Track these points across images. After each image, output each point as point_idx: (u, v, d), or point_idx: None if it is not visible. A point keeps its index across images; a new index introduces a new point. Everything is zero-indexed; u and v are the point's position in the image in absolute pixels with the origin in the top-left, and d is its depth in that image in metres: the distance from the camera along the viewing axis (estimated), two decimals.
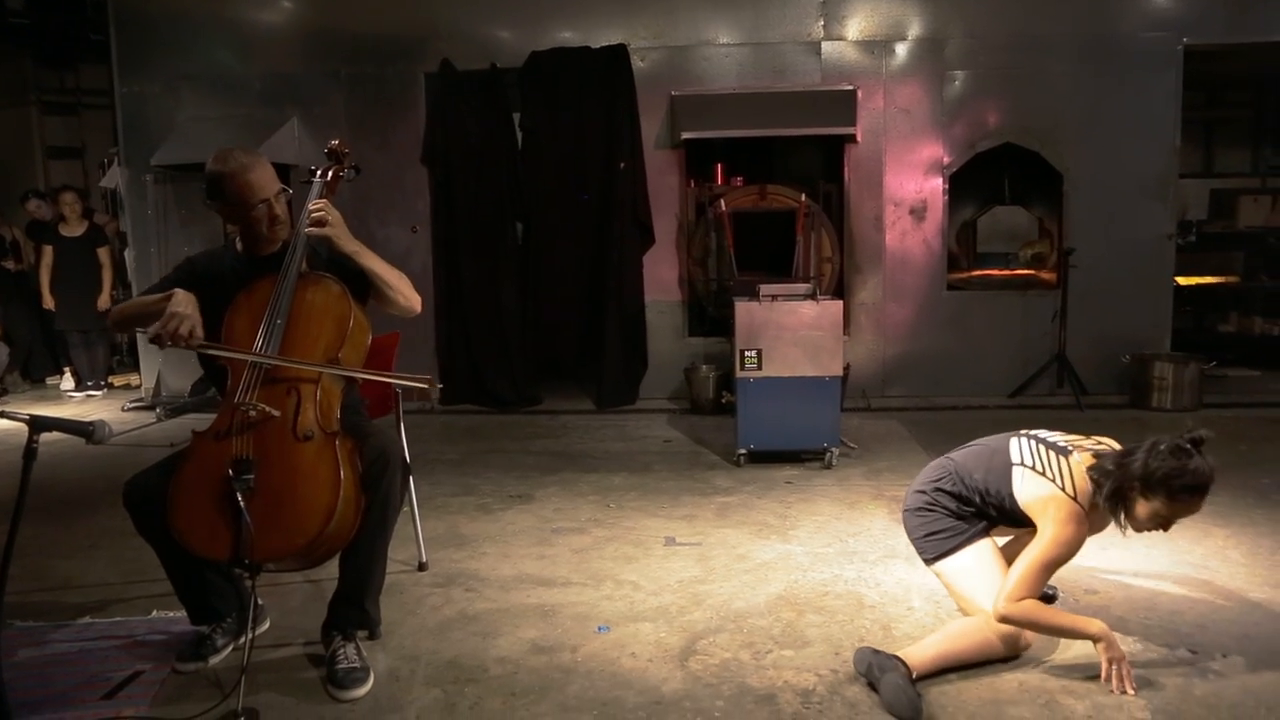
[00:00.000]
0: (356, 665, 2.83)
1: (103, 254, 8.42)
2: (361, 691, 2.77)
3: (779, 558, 3.87)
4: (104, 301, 8.42)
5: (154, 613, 3.40)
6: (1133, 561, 3.74)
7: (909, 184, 7.24)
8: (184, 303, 2.80)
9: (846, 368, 6.39)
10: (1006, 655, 2.85)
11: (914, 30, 7.15)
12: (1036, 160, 7.18)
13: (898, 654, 2.74)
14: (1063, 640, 2.98)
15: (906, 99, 7.18)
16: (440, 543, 4.11)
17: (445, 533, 4.28)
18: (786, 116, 7.11)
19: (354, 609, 2.93)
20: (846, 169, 7.27)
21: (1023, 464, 2.91)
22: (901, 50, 7.17)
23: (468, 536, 4.24)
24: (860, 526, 4.26)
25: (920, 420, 6.58)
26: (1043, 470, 2.86)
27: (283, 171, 6.73)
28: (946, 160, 7.20)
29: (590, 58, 7.20)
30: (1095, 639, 2.73)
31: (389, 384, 3.59)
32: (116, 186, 8.09)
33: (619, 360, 7.34)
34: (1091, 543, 3.88)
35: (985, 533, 3.03)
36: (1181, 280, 8.10)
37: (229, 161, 2.92)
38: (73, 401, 8.28)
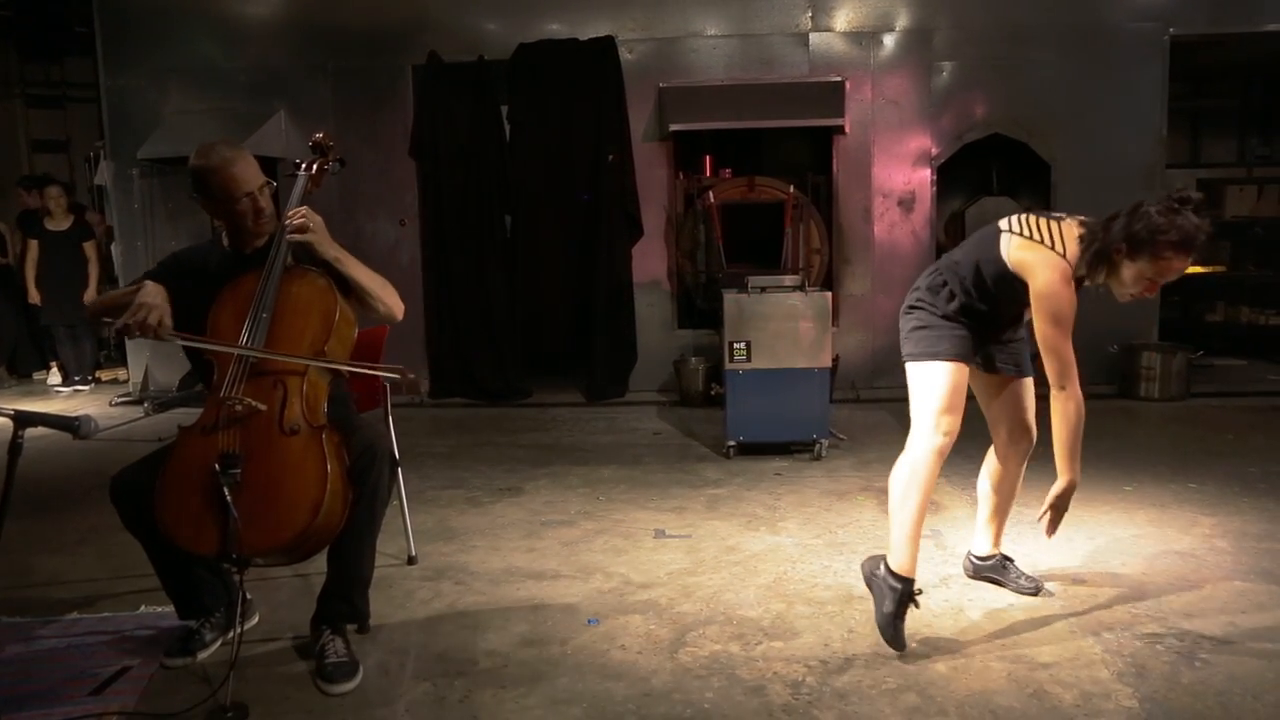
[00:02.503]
0: (345, 659, 2.82)
1: (89, 248, 8.37)
2: (350, 685, 2.76)
3: (768, 549, 3.88)
4: (90, 296, 8.37)
5: (142, 608, 3.38)
6: (1120, 550, 3.76)
7: (897, 175, 7.24)
8: (152, 293, 2.80)
9: (835, 359, 6.39)
10: (940, 456, 2.93)
11: (901, 21, 7.15)
12: (1024, 151, 7.19)
13: (890, 564, 2.93)
14: (1050, 633, 3.00)
15: (894, 90, 7.18)
16: (429, 536, 4.11)
17: (434, 526, 4.28)
18: (774, 108, 7.10)
19: (343, 603, 2.92)
20: (835, 160, 7.27)
21: (1010, 230, 2.89)
22: (889, 41, 7.17)
23: (457, 530, 4.23)
24: (849, 518, 4.27)
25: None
26: (1030, 234, 2.84)
27: (269, 165, 6.75)
28: (934, 151, 7.20)
29: (578, 50, 7.18)
30: (1068, 479, 2.87)
31: (378, 378, 3.59)
32: (104, 182, 8.05)
33: (608, 353, 7.33)
34: (1079, 533, 3.93)
35: (958, 350, 2.98)
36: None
37: (212, 156, 2.91)
38: (60, 397, 8.24)
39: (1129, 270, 2.70)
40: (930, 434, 2.94)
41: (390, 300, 3.03)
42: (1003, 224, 2.95)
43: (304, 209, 2.93)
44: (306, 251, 2.98)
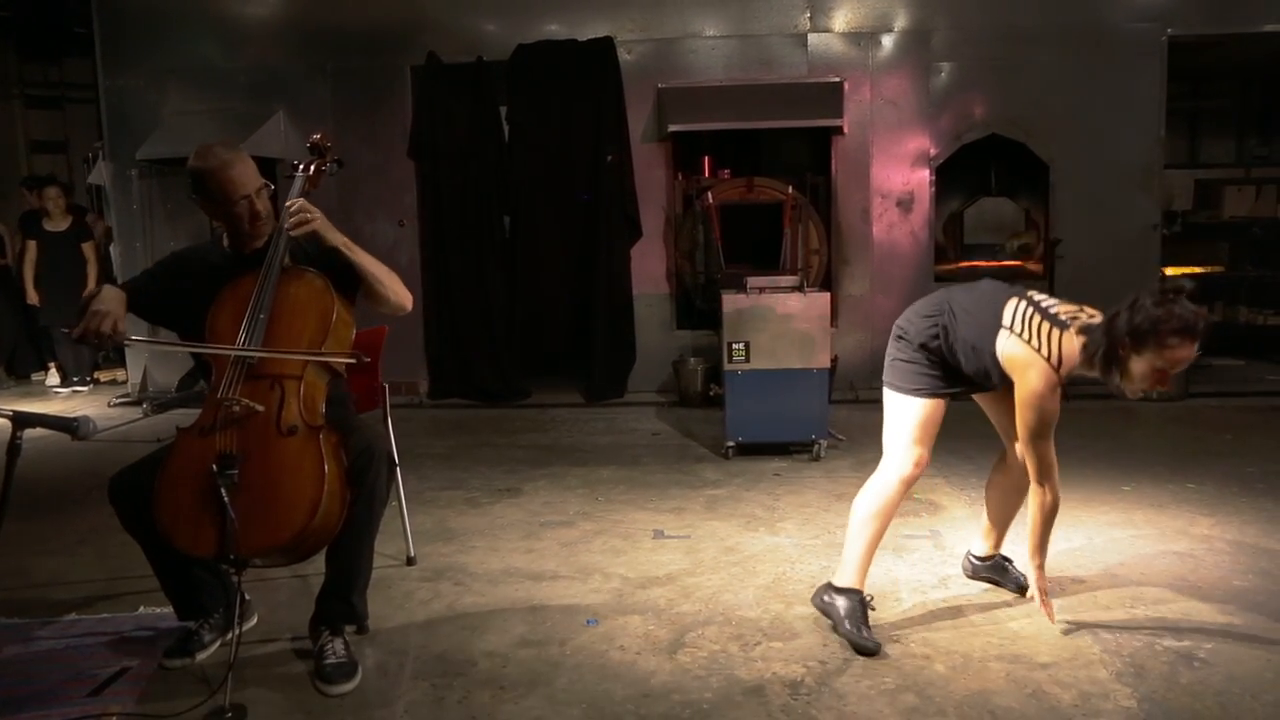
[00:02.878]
0: (344, 660, 2.82)
1: (87, 249, 8.36)
2: (349, 686, 2.76)
3: (767, 550, 3.88)
4: None
5: (140, 609, 3.38)
6: (1118, 550, 3.76)
7: (896, 176, 7.25)
8: (106, 300, 2.78)
9: (834, 359, 6.39)
10: (906, 485, 3.04)
11: (900, 22, 7.15)
12: (1022, 151, 7.19)
13: (834, 582, 3.09)
14: (1049, 633, 3.01)
15: (893, 91, 7.18)
16: (428, 537, 4.11)
17: (433, 527, 4.28)
18: (773, 109, 7.10)
19: (341, 603, 2.92)
20: (833, 161, 7.27)
21: (1011, 329, 2.88)
22: (888, 42, 7.17)
23: (456, 530, 4.23)
24: (848, 518, 4.26)
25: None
26: (1030, 338, 2.84)
27: (269, 165, 6.75)
28: (933, 152, 7.21)
29: (577, 50, 7.18)
30: (1036, 565, 3.03)
31: (377, 378, 3.59)
32: (103, 183, 8.04)
33: (607, 353, 7.33)
34: (1078, 533, 3.93)
35: (934, 389, 3.03)
36: (1167, 270, 8.12)
37: (210, 158, 2.91)
38: (58, 397, 8.23)
39: (1138, 365, 2.69)
40: (900, 464, 3.04)
41: (398, 289, 3.03)
42: (1005, 317, 2.90)
43: (300, 201, 2.92)
44: (312, 244, 2.98)
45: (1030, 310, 2.88)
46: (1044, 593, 3.05)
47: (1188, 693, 2.62)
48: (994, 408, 3.25)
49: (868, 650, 2.90)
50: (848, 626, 2.98)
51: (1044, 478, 2.93)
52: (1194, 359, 2.68)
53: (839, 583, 3.08)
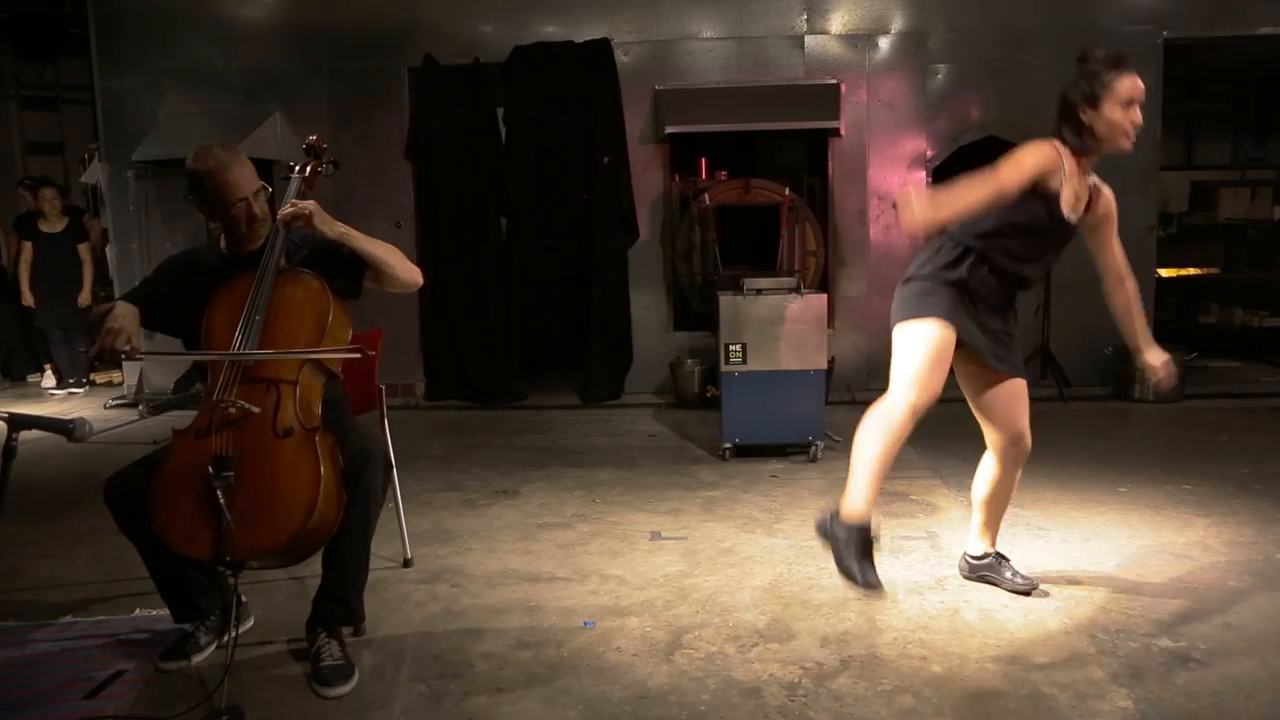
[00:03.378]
0: (341, 662, 2.82)
1: (83, 250, 8.36)
2: (346, 688, 2.76)
3: (764, 551, 3.88)
4: (85, 298, 8.36)
5: (137, 611, 3.37)
6: (1115, 552, 3.76)
7: (892, 177, 7.25)
8: (120, 316, 2.81)
9: (831, 361, 6.40)
10: (912, 415, 2.92)
11: (896, 24, 7.17)
12: None
13: (840, 512, 2.89)
14: (1045, 634, 3.00)
15: (889, 93, 7.20)
16: (425, 538, 4.11)
17: (430, 528, 4.28)
18: (770, 111, 7.11)
19: (338, 605, 2.91)
20: (830, 163, 7.28)
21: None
22: (884, 44, 7.18)
23: (453, 532, 4.23)
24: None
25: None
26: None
27: (265, 167, 6.73)
28: (929, 153, 7.22)
29: (574, 52, 7.19)
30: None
31: (374, 379, 3.59)
32: (97, 182, 8.03)
33: (604, 355, 7.33)
34: (1074, 534, 3.94)
35: (945, 310, 2.98)
36: (1163, 272, 8.15)
37: (208, 159, 2.91)
38: (54, 399, 8.22)
39: (1107, 115, 2.87)
40: (908, 389, 2.94)
41: (406, 266, 3.04)
42: None
43: (292, 201, 2.94)
44: (308, 245, 2.98)
45: None
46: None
47: (1183, 693, 2.63)
48: (980, 389, 3.18)
49: (866, 585, 2.76)
50: (845, 558, 2.81)
51: (1001, 175, 2.86)
52: (1142, 88, 2.89)
53: (844, 512, 2.88)
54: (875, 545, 2.88)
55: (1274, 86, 9.78)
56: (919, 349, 2.97)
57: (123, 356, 2.80)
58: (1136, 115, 2.90)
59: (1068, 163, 2.95)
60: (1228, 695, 2.61)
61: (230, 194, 2.92)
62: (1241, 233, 8.98)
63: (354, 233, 2.98)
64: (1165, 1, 7.04)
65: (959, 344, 3.02)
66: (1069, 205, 3.00)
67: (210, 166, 2.90)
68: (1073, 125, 2.93)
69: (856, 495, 2.90)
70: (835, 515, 2.91)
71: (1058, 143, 2.95)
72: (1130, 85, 2.85)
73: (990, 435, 3.24)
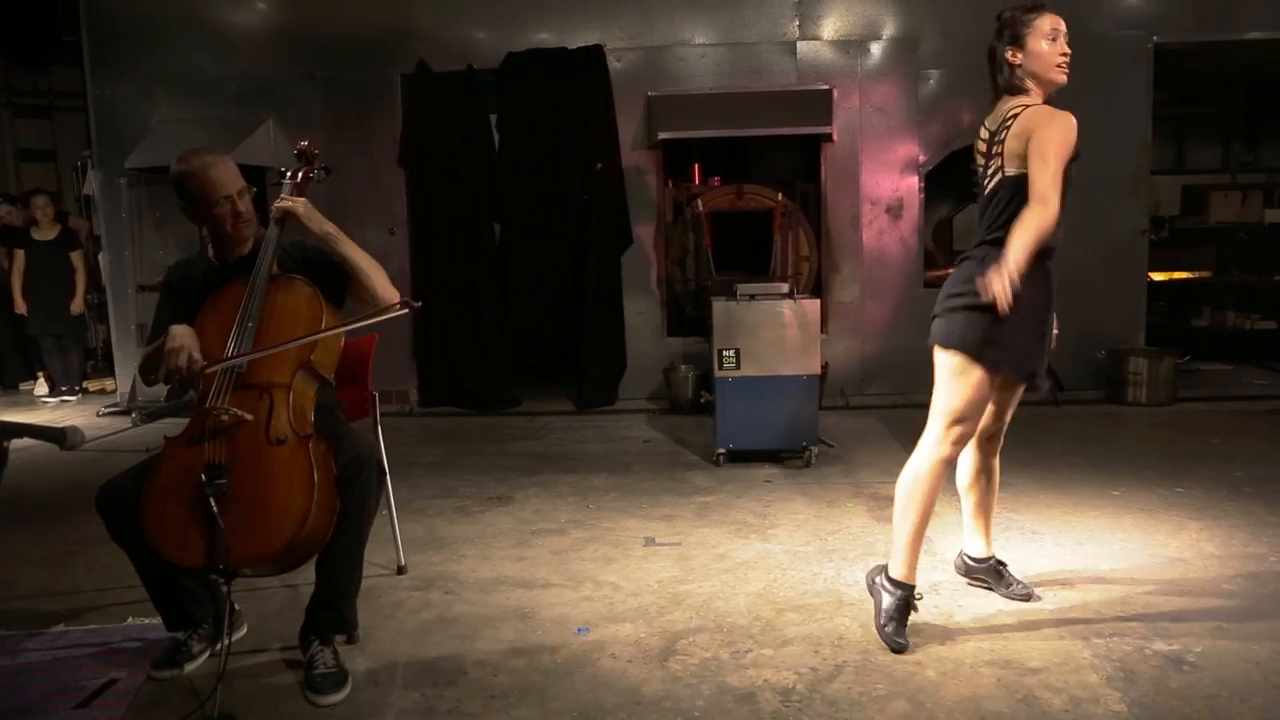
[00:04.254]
0: (334, 670, 2.81)
1: (76, 258, 8.35)
2: (340, 696, 2.75)
3: (758, 557, 3.88)
4: (77, 306, 8.36)
5: (129, 620, 3.37)
6: (1109, 555, 3.77)
7: (885, 182, 7.27)
8: (178, 336, 2.80)
9: (825, 366, 6.40)
10: (946, 467, 3.01)
11: (888, 30, 7.19)
12: None
13: (889, 572, 3.04)
14: (1039, 638, 3.01)
15: (882, 98, 7.21)
16: (419, 545, 4.10)
17: (424, 535, 4.27)
18: (763, 116, 7.12)
19: (331, 613, 2.91)
20: (823, 168, 7.29)
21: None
22: (876, 50, 7.20)
23: (447, 539, 4.23)
24: (839, 525, 4.27)
25: (899, 418, 6.61)
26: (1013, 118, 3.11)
27: (258, 173, 6.74)
28: (922, 159, 7.23)
29: (566, 59, 7.19)
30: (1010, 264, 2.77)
31: (367, 386, 3.58)
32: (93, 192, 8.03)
33: (598, 361, 7.33)
34: (1068, 538, 3.94)
35: (1005, 361, 2.94)
36: (1155, 275, 8.18)
37: (190, 160, 2.93)
38: (47, 407, 8.20)
39: (1032, 49, 3.03)
40: (939, 442, 3.00)
41: (384, 284, 3.01)
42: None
43: (282, 196, 2.98)
44: (298, 250, 2.99)
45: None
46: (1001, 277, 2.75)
47: (1177, 696, 2.63)
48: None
49: (892, 648, 2.95)
50: (882, 622, 3.02)
51: (1049, 199, 2.86)
52: (1062, 22, 3.03)
53: (892, 572, 3.05)
54: (913, 609, 3.04)
55: (1264, 91, 9.83)
56: (961, 394, 2.95)
57: (188, 374, 2.77)
58: (1063, 46, 3.02)
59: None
60: (1222, 699, 2.62)
61: (213, 192, 2.93)
62: (1233, 236, 9.01)
63: (340, 234, 2.99)
64: (1156, 7, 7.06)
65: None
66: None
67: (193, 166, 2.92)
68: (1005, 70, 3.10)
69: (898, 557, 3.05)
70: (884, 572, 3.10)
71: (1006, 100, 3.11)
72: (1051, 20, 3.01)
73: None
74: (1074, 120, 2.92)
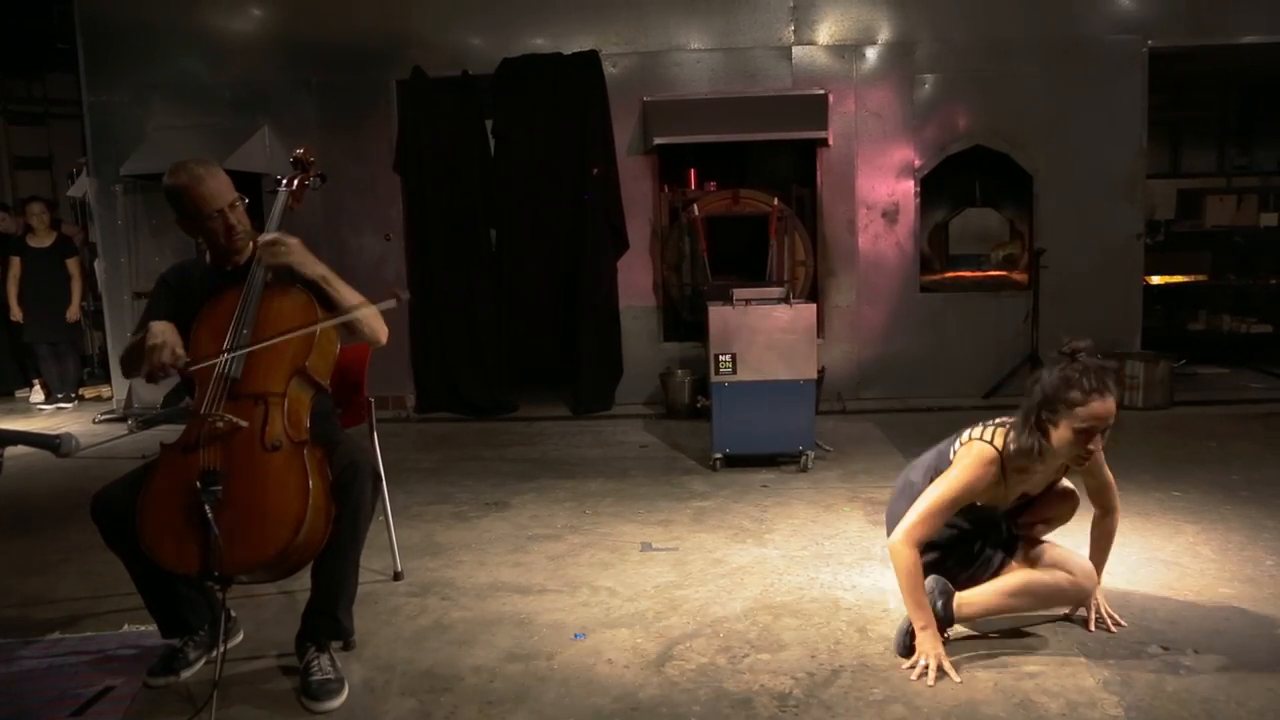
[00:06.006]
0: (331, 676, 2.81)
1: (72, 265, 8.35)
2: (336, 703, 2.74)
3: (755, 562, 3.88)
4: (73, 313, 8.35)
5: (125, 627, 3.36)
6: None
7: (881, 187, 7.28)
8: (158, 333, 2.79)
9: (821, 370, 6.41)
10: (1082, 595, 3.00)
11: (883, 34, 7.20)
12: (1006, 162, 7.24)
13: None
14: (1035, 642, 3.01)
15: (877, 103, 7.23)
16: (415, 551, 4.09)
17: (420, 541, 4.26)
18: (758, 121, 7.13)
19: (327, 619, 2.90)
20: (819, 173, 7.31)
21: (956, 443, 2.97)
22: (871, 54, 7.22)
23: (443, 545, 4.22)
24: (836, 529, 4.27)
25: (895, 422, 6.61)
26: (971, 437, 2.90)
27: (253, 180, 6.75)
28: (917, 163, 7.25)
29: (562, 64, 7.20)
30: (920, 628, 2.83)
31: (363, 392, 3.57)
32: (84, 196, 8.01)
33: (594, 366, 7.33)
34: (1065, 542, 3.93)
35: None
36: (1151, 279, 8.19)
37: (181, 174, 2.93)
38: (42, 414, 8.19)
39: (1061, 433, 2.72)
40: (901, 535, 2.89)
41: (375, 325, 3.02)
42: (949, 450, 3.00)
43: (274, 235, 2.93)
44: (290, 272, 2.98)
45: (967, 432, 2.95)
46: (922, 655, 2.81)
47: (1174, 700, 2.63)
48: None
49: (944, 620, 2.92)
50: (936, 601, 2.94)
51: (906, 540, 2.83)
52: (1115, 415, 2.68)
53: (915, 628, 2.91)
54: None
55: (1259, 94, 9.86)
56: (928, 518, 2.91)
57: (174, 370, 2.76)
58: (1096, 444, 2.75)
59: (1013, 465, 2.86)
60: (1218, 702, 2.61)
61: (205, 206, 2.93)
62: (1228, 240, 9.02)
63: (333, 277, 2.98)
64: (1150, 11, 7.08)
65: None
66: (1005, 498, 3.01)
67: (184, 181, 2.92)
68: (1032, 427, 2.76)
69: (917, 613, 2.90)
70: (909, 628, 2.93)
71: (997, 448, 2.83)
72: (1099, 411, 2.67)
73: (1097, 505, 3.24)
74: (984, 480, 2.82)
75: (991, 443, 2.84)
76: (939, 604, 2.93)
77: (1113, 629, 3.05)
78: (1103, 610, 3.11)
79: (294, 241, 2.94)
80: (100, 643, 3.25)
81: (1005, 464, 2.83)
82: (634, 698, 2.75)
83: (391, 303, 2.89)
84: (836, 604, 3.39)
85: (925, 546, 2.94)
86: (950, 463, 2.93)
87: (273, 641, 3.18)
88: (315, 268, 2.95)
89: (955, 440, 3.00)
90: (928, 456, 3.13)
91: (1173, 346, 7.33)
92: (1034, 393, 2.74)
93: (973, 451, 2.85)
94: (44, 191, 10.30)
